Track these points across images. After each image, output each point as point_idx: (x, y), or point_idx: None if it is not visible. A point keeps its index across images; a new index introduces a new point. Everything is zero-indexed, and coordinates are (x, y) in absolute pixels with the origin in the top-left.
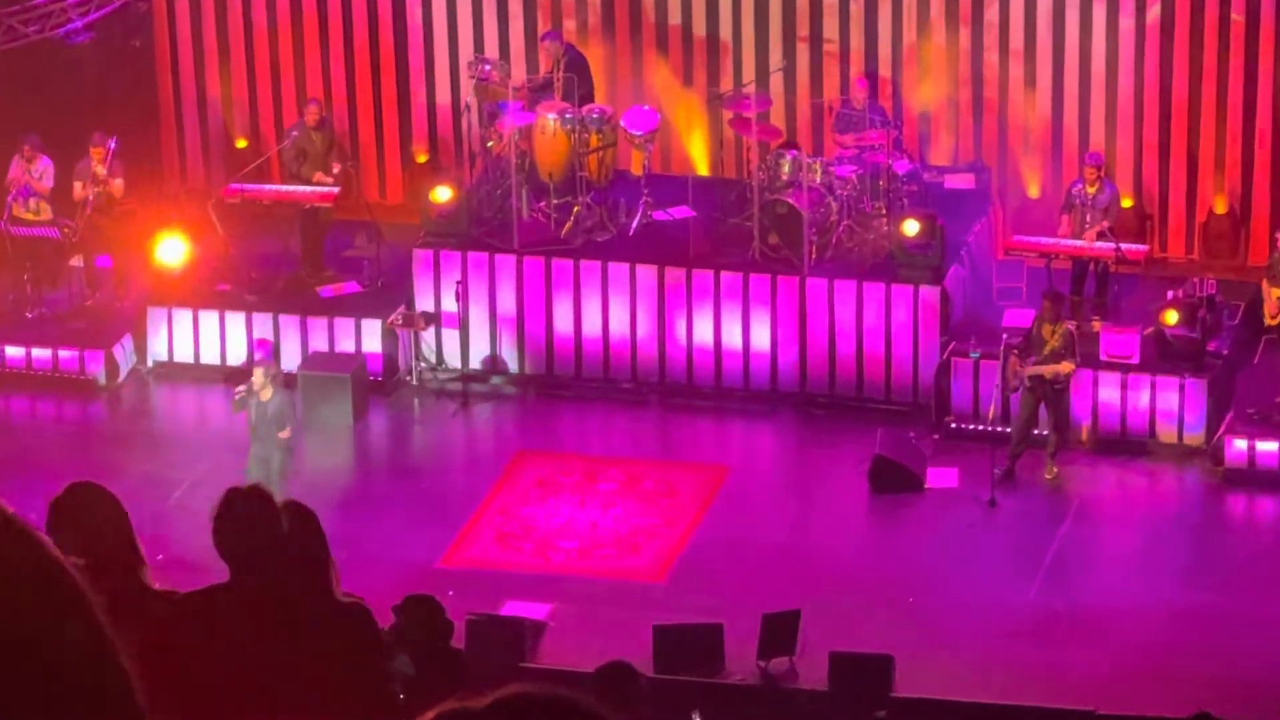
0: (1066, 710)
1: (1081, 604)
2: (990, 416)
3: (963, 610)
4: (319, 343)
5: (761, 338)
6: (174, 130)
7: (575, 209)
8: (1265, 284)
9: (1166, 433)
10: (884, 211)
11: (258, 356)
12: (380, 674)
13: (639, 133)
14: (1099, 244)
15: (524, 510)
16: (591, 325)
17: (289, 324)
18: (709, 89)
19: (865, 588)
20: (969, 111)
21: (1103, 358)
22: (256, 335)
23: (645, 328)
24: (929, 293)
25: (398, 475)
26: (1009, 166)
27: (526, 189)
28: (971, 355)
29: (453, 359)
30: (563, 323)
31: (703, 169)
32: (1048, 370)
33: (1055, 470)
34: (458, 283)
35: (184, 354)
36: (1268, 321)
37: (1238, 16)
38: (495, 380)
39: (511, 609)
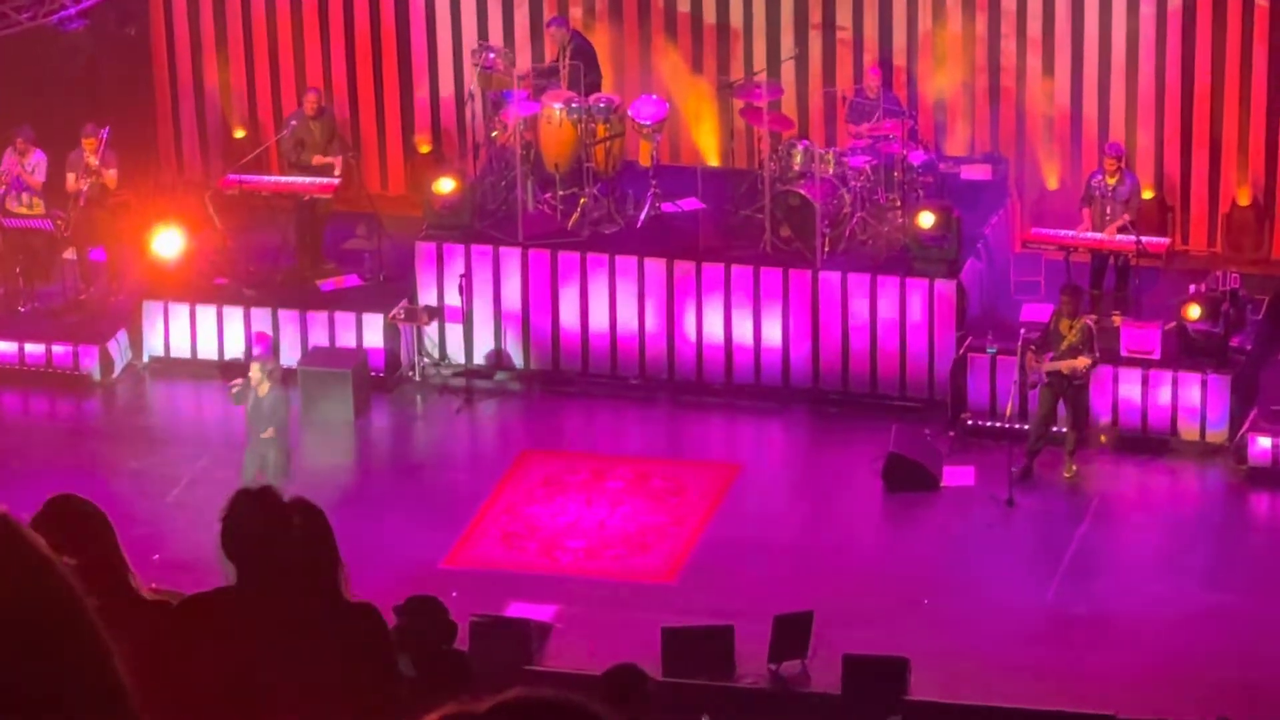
0: (1086, 714)
1: (1101, 606)
2: (1008, 413)
3: (979, 612)
4: (319, 338)
5: (773, 332)
6: (170, 120)
7: (582, 200)
8: None
9: (1188, 430)
10: (898, 203)
11: (256, 351)
12: (390, 675)
13: (647, 122)
14: (1120, 237)
15: (529, 509)
16: (598, 320)
17: (288, 318)
18: (719, 77)
19: (879, 589)
20: (985, 100)
21: (1123, 353)
22: (255, 329)
23: (654, 322)
24: (945, 286)
25: (400, 473)
26: (1027, 157)
27: (532, 180)
28: (988, 351)
29: (456, 354)
30: (569, 317)
31: (713, 159)
32: (1065, 366)
33: (1074, 468)
34: (461, 276)
35: (180, 349)
36: None
37: (1262, 1)
38: (500, 376)
39: (516, 610)
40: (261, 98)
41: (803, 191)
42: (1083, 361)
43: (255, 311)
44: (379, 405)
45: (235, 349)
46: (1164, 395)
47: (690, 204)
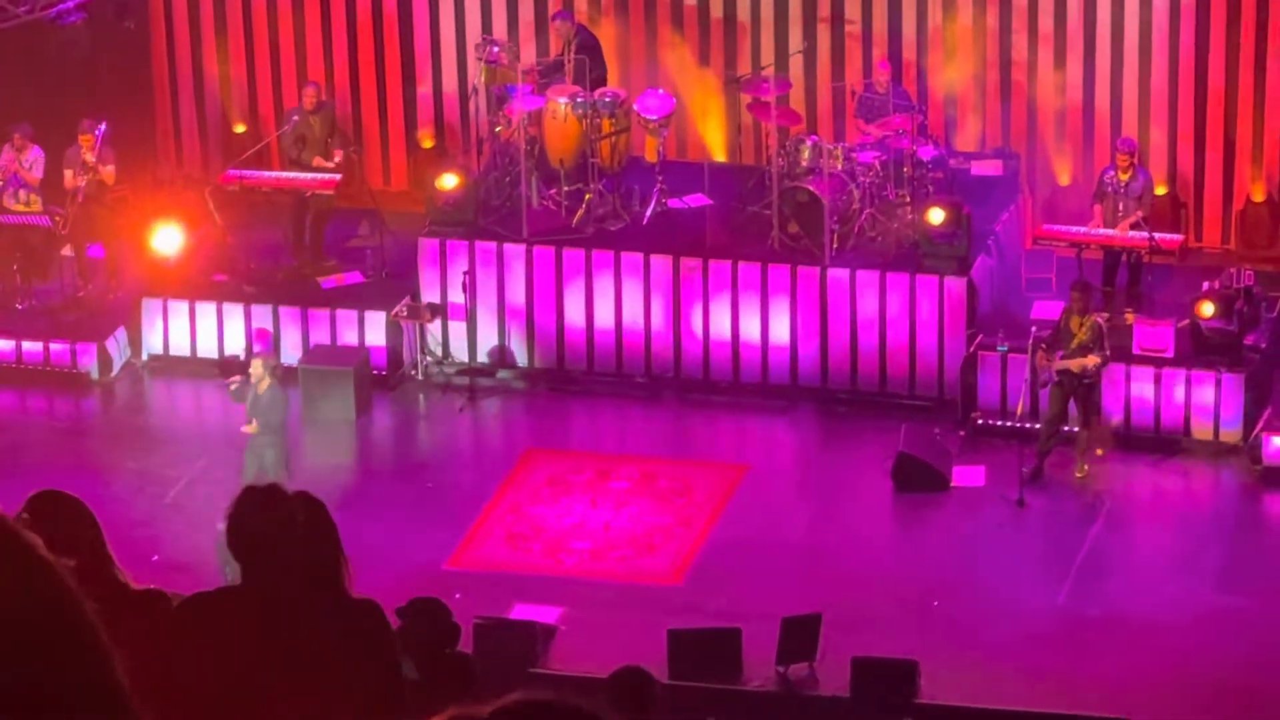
0: (1098, 718)
1: (1113, 608)
2: (1018, 412)
3: (990, 614)
4: (320, 335)
5: (781, 330)
6: (169, 114)
7: (587, 197)
8: None
9: (1202, 430)
10: (908, 199)
11: (257, 348)
12: (393, 673)
13: (653, 117)
14: (1132, 234)
15: (534, 510)
16: (604, 317)
17: (289, 316)
18: (726, 72)
19: (889, 591)
20: (996, 95)
21: (1136, 351)
22: (256, 327)
23: (660, 320)
24: (955, 284)
25: (402, 473)
26: (1038, 152)
27: (536, 176)
28: (999, 349)
29: (459, 352)
30: (574, 315)
31: (719, 155)
32: (1075, 365)
33: (1086, 468)
34: (464, 273)
35: (180, 347)
36: None
37: None
38: (503, 374)
39: (521, 612)
40: (262, 91)
41: (811, 188)
42: (1092, 360)
43: (256, 309)
44: (381, 404)
45: (235, 347)
46: (1177, 394)
47: (697, 200)
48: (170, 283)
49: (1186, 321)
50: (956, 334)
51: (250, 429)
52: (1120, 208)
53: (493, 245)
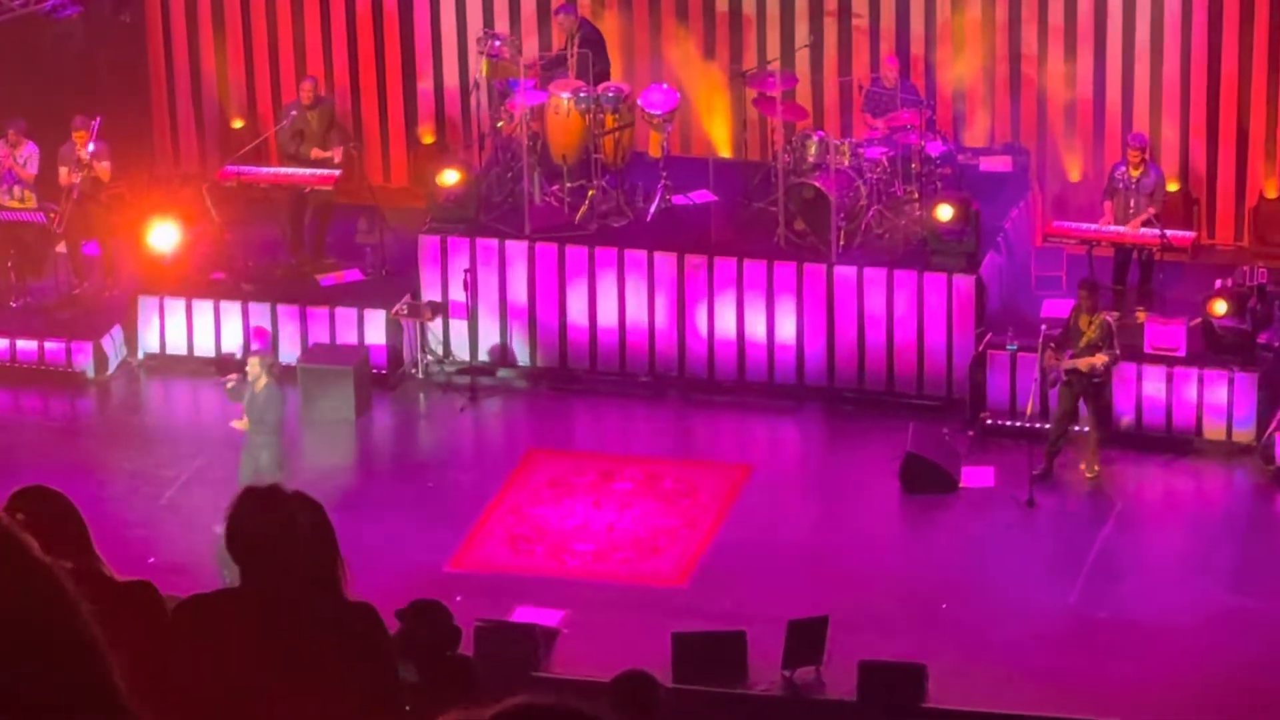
0: None
1: (1124, 610)
2: (1028, 412)
3: (999, 617)
4: (319, 334)
5: (786, 329)
6: (166, 110)
7: (590, 193)
8: None
9: (1214, 429)
10: (916, 196)
11: (254, 346)
12: (389, 675)
13: (657, 112)
14: (1144, 231)
15: (536, 511)
16: (607, 316)
17: (288, 314)
18: (731, 66)
19: (896, 593)
20: (1005, 90)
21: (1147, 350)
22: (254, 325)
23: (664, 318)
24: (963, 282)
25: (402, 474)
26: (1048, 148)
27: (538, 172)
28: (1008, 348)
29: (460, 351)
30: (577, 313)
31: (724, 151)
32: (1084, 364)
33: (1096, 469)
34: (466, 271)
35: (176, 345)
36: None
37: None
38: (505, 373)
39: (523, 615)
40: (260, 87)
41: (817, 184)
42: (1101, 359)
43: (254, 307)
44: (381, 404)
45: (233, 346)
46: (1189, 393)
47: (701, 196)
48: (167, 280)
49: (1199, 320)
50: (965, 332)
51: (240, 424)
52: (1131, 204)
53: (494, 242)
